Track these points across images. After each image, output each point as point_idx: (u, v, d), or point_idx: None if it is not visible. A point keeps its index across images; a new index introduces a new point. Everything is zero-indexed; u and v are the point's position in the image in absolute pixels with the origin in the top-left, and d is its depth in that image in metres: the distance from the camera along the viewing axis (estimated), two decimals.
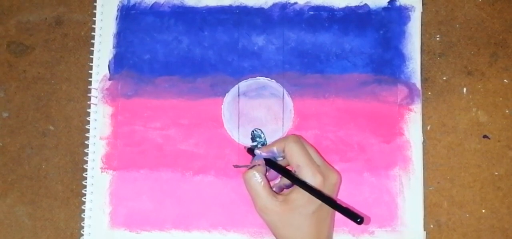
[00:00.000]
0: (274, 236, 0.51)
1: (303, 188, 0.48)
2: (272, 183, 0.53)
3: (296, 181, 0.49)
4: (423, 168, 0.56)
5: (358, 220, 0.45)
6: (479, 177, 0.57)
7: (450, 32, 0.59)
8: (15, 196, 0.58)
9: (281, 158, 0.53)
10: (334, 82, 0.57)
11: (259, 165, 0.51)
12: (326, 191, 0.49)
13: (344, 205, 0.47)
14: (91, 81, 0.58)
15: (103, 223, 0.56)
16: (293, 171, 0.51)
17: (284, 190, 0.53)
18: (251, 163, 0.53)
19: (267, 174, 0.52)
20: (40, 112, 0.59)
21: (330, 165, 0.54)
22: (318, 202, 0.48)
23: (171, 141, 0.57)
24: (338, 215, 0.49)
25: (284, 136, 0.56)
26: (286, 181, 0.53)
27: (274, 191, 0.51)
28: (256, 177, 0.50)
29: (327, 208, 0.50)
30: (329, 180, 0.50)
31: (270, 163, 0.52)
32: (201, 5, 0.59)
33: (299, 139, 0.52)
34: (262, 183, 0.50)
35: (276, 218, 0.49)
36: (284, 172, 0.51)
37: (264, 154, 0.52)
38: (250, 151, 0.54)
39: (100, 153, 0.57)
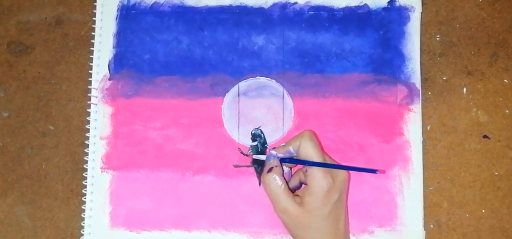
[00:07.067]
0: (292, 237, 0.52)
1: (319, 166, 0.50)
2: None
3: (311, 164, 0.50)
4: (423, 168, 0.56)
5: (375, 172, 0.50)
6: (479, 177, 0.57)
7: (450, 32, 0.58)
8: (15, 195, 0.58)
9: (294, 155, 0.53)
10: (334, 82, 0.57)
11: (276, 166, 0.51)
12: (336, 189, 0.50)
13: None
14: (91, 81, 0.58)
15: (103, 223, 0.56)
16: (303, 170, 0.51)
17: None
18: (266, 165, 0.52)
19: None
20: (40, 112, 0.59)
21: (338, 163, 0.54)
22: (332, 201, 0.49)
23: (171, 140, 0.57)
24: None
25: (284, 134, 0.57)
26: (295, 183, 0.53)
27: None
28: (277, 180, 0.50)
29: (341, 206, 0.51)
30: (338, 178, 0.51)
31: (285, 159, 0.52)
32: (201, 5, 0.59)
33: (313, 136, 0.52)
34: (282, 186, 0.50)
35: (295, 220, 0.50)
36: (301, 161, 0.51)
37: (281, 155, 0.52)
38: (255, 160, 0.54)
39: (100, 153, 0.57)
